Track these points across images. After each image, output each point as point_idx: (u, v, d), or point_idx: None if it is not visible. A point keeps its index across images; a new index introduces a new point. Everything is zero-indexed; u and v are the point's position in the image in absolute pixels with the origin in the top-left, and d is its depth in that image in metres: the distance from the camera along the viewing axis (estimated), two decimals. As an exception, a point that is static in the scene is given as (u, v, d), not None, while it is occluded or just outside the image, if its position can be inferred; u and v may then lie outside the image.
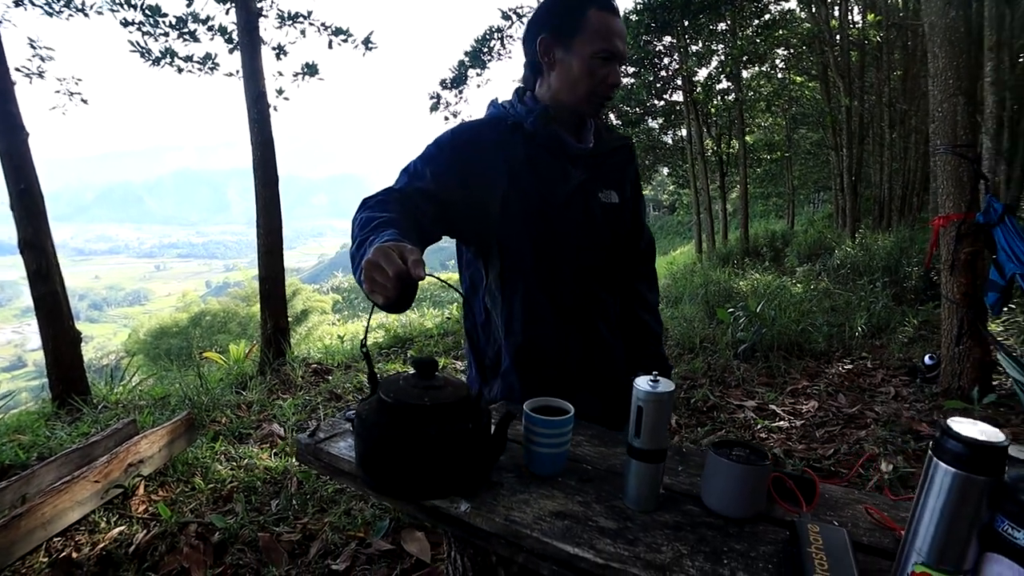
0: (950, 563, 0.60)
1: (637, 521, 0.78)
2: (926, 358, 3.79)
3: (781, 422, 3.26)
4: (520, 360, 1.24)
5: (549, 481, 0.88)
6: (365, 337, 0.94)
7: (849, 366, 4.29)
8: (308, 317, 20.25)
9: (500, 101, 1.30)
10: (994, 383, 3.34)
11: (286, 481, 2.64)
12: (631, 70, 12.27)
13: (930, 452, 0.62)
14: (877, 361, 4.39)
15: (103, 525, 2.26)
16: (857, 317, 5.29)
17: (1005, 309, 3.28)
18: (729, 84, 12.30)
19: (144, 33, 5.84)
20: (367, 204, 1.05)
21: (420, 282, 0.81)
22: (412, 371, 0.88)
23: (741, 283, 7.50)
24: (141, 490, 2.52)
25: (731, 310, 5.20)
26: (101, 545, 2.15)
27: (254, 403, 3.80)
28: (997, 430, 0.58)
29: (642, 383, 0.79)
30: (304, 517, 2.32)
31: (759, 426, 3.21)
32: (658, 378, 0.79)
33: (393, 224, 0.95)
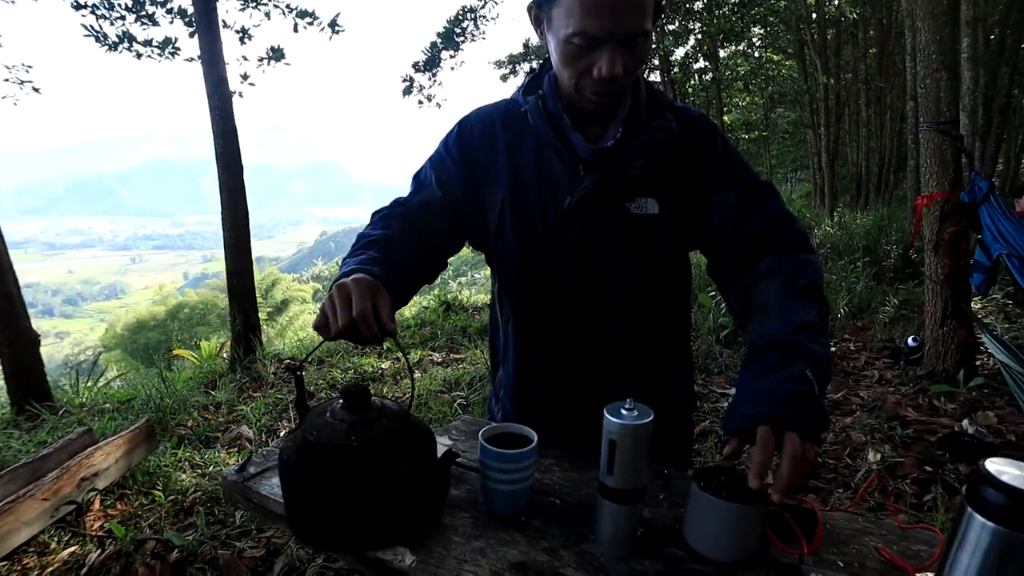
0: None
1: (612, 571, 0.67)
2: (909, 339, 3.75)
3: (766, 410, 3.19)
4: (514, 398, 1.07)
5: (510, 522, 0.76)
6: (302, 363, 0.82)
7: (832, 348, 4.24)
8: (288, 307, 20.15)
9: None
10: (977, 364, 3.30)
11: (252, 489, 2.51)
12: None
13: (963, 501, 0.51)
14: (860, 343, 4.35)
15: (53, 546, 2.11)
16: (839, 298, 5.26)
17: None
18: (706, 63, 12.16)
19: (98, 16, 5.54)
20: (373, 219, 0.94)
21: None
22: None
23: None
24: (96, 505, 2.37)
25: (712, 294, 5.12)
26: (51, 568, 2.01)
27: (222, 404, 3.64)
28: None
29: (614, 412, 0.66)
30: (269, 530, 2.19)
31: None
32: (634, 405, 0.66)
33: (382, 244, 0.85)
